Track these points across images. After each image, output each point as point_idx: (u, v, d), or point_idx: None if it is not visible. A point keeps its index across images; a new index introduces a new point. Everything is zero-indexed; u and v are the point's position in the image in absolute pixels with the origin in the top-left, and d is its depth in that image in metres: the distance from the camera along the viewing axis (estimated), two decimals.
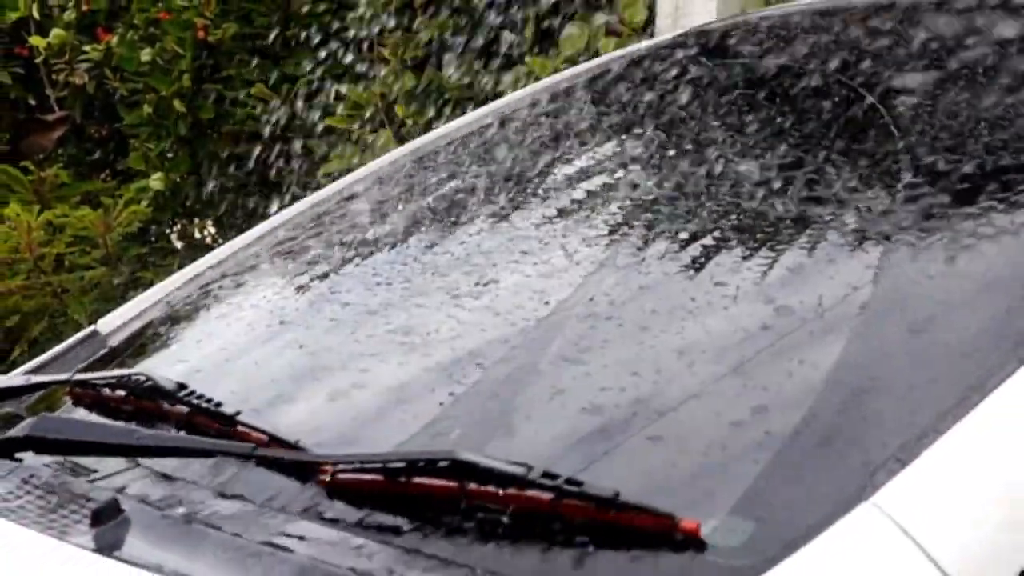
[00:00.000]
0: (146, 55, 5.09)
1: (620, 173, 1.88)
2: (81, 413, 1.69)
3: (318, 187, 3.61)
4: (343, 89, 4.50)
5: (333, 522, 1.31)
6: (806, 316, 1.38)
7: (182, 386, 1.56)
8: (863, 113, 1.76)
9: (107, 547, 1.33)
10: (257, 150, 4.92)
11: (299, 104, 4.77)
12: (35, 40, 5.55)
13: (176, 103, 5.04)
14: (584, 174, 1.89)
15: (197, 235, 5.52)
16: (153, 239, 5.42)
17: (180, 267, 2.22)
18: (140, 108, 5.20)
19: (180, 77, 5.03)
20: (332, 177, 3.96)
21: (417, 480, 1.29)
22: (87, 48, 5.44)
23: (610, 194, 1.82)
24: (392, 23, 4.34)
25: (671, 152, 1.91)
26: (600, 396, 1.37)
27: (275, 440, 1.43)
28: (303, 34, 4.74)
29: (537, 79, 3.23)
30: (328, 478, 1.34)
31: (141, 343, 1.96)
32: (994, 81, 1.75)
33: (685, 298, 1.50)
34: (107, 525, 1.35)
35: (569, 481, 1.20)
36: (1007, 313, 1.32)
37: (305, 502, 1.34)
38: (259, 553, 1.26)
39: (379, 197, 2.19)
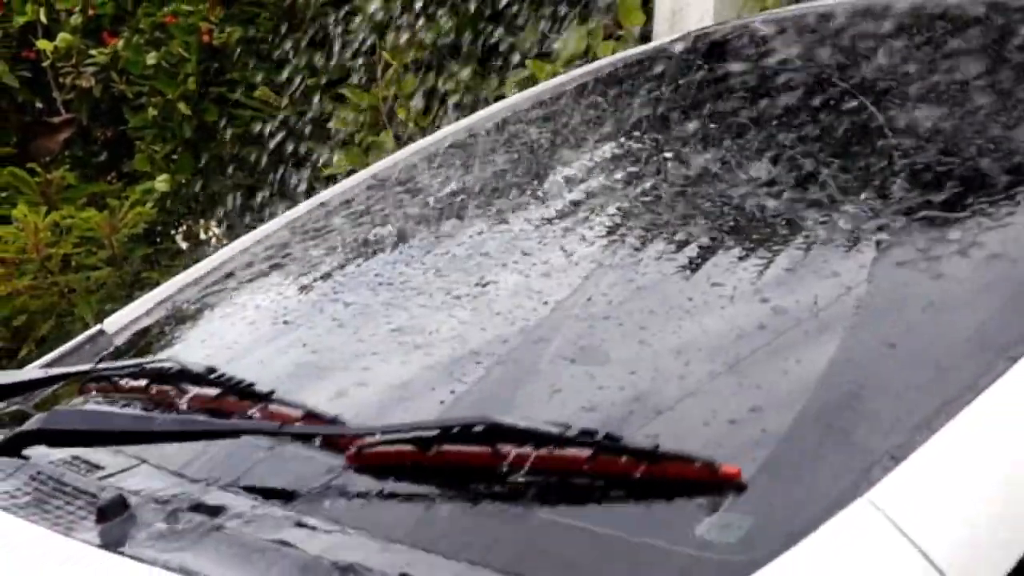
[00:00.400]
0: (151, 59, 5.10)
1: (618, 175, 1.88)
2: (92, 405, 1.69)
3: (321, 188, 3.62)
4: (346, 92, 4.50)
5: (361, 495, 1.28)
6: (801, 315, 1.38)
7: (212, 370, 1.55)
8: (858, 115, 1.76)
9: (113, 543, 1.33)
10: (261, 152, 4.93)
11: (302, 107, 4.77)
12: (42, 44, 5.56)
13: (181, 106, 5.05)
14: (581, 176, 1.89)
15: (202, 235, 5.52)
16: (158, 240, 5.42)
17: (185, 267, 2.21)
18: (145, 111, 5.21)
19: (185, 80, 5.03)
20: (335, 178, 3.96)
21: (450, 448, 1.27)
22: (93, 52, 5.44)
23: (606, 197, 1.82)
24: (394, 27, 4.34)
25: (667, 154, 1.91)
26: (598, 395, 1.38)
27: (312, 416, 1.40)
28: (306, 38, 4.74)
29: (536, 82, 3.23)
30: (358, 451, 1.31)
31: (147, 342, 1.96)
32: (985, 85, 1.76)
33: (682, 298, 1.50)
34: (113, 521, 1.35)
35: (608, 437, 1.19)
36: (999, 313, 1.32)
37: (329, 482, 1.32)
38: (264, 549, 1.26)
39: (382, 199, 2.19)
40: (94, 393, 1.71)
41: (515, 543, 1.20)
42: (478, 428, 1.26)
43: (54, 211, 4.82)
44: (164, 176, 5.19)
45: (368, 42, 4.49)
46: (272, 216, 2.88)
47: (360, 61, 4.54)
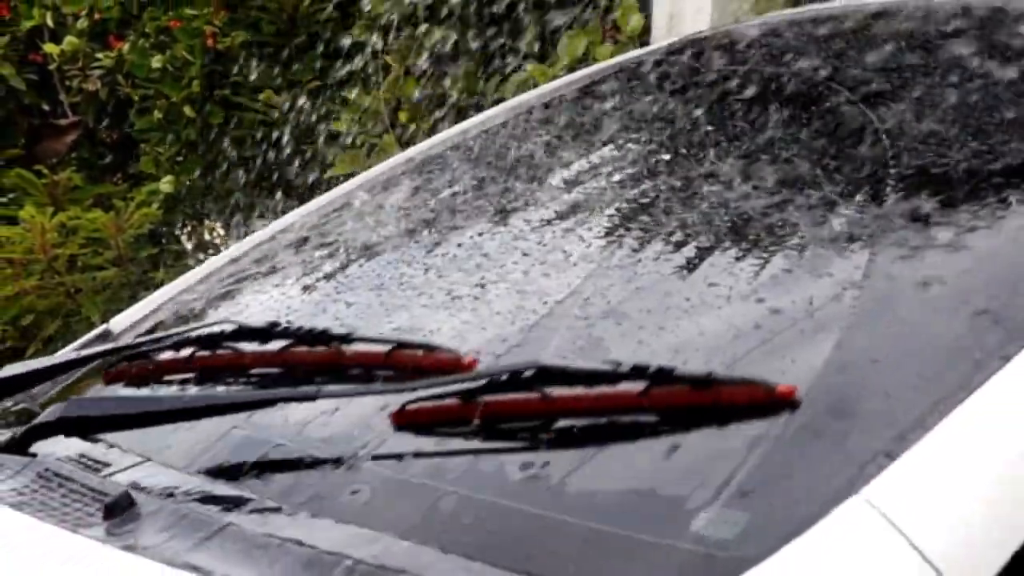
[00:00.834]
0: (157, 62, 5.10)
1: (616, 178, 1.88)
2: (112, 391, 1.68)
3: (324, 190, 3.62)
4: (349, 95, 4.50)
5: (406, 457, 1.25)
6: (796, 315, 1.38)
7: (275, 324, 1.51)
8: (853, 118, 1.76)
9: (119, 540, 1.33)
10: (264, 154, 4.93)
11: (305, 109, 4.77)
12: (49, 47, 5.56)
13: (186, 108, 5.05)
14: (579, 179, 1.89)
15: (207, 236, 5.52)
16: (164, 240, 5.42)
17: (190, 267, 2.21)
18: (151, 113, 5.21)
19: (190, 83, 5.03)
20: (337, 180, 3.96)
21: (499, 399, 1.24)
22: (99, 55, 5.45)
23: (604, 199, 1.82)
24: (397, 31, 4.35)
25: (664, 157, 1.91)
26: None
27: (409, 346, 1.36)
28: (310, 42, 4.75)
29: (535, 85, 3.23)
30: (401, 409, 1.27)
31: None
32: (973, 85, 1.76)
33: (679, 297, 1.50)
34: (119, 518, 1.35)
35: (660, 370, 1.17)
36: (991, 312, 1.32)
37: (371, 445, 1.26)
38: (269, 546, 1.26)
39: (382, 202, 2.19)
40: (113, 379, 1.68)
41: (515, 538, 1.20)
42: (528, 373, 1.22)
43: (61, 212, 4.82)
44: (169, 178, 5.19)
45: (370, 46, 4.49)
46: (276, 216, 2.88)
47: (362, 64, 4.54)
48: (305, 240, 2.10)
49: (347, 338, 1.47)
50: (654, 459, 1.24)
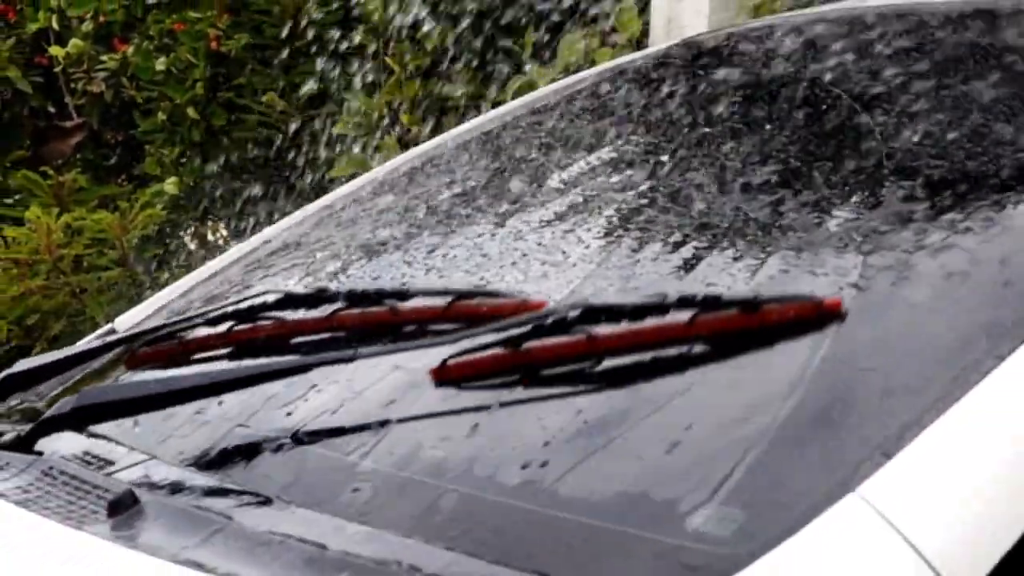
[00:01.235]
0: (161, 64, 5.10)
1: (614, 179, 1.88)
2: (127, 377, 1.66)
3: (326, 191, 3.62)
4: (350, 97, 4.50)
5: (450, 413, 1.21)
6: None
7: (324, 290, 1.46)
8: (849, 120, 1.76)
9: (123, 537, 1.33)
10: (267, 155, 4.93)
11: (308, 111, 4.77)
12: (54, 50, 5.56)
13: (190, 110, 5.05)
14: (577, 181, 1.89)
15: (210, 237, 5.52)
16: (168, 241, 5.42)
17: (194, 267, 2.21)
18: (155, 115, 5.21)
19: (194, 85, 5.03)
20: (339, 182, 3.96)
21: (545, 343, 1.21)
22: (104, 58, 5.44)
23: (603, 200, 1.82)
24: (397, 34, 4.35)
25: (661, 159, 1.91)
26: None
27: (469, 295, 1.31)
28: (312, 45, 4.75)
29: (534, 88, 3.23)
30: (442, 365, 1.22)
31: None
32: (968, 88, 1.76)
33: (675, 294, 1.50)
34: (123, 515, 1.35)
35: (706, 297, 1.15)
36: (986, 312, 1.32)
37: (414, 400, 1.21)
38: (271, 543, 1.26)
39: (372, 206, 2.18)
40: (135, 365, 1.65)
41: (512, 534, 1.20)
42: (574, 313, 1.18)
43: (66, 213, 4.82)
44: (173, 179, 5.20)
45: (372, 49, 4.49)
46: (281, 216, 2.88)
47: (364, 67, 4.54)
48: (309, 239, 2.10)
49: (404, 294, 1.40)
50: (653, 456, 1.24)
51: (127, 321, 2.03)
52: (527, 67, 3.82)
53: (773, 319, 1.13)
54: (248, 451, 1.42)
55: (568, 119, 2.22)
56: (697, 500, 1.16)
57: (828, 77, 1.89)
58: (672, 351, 1.19)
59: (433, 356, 1.28)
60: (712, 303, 1.16)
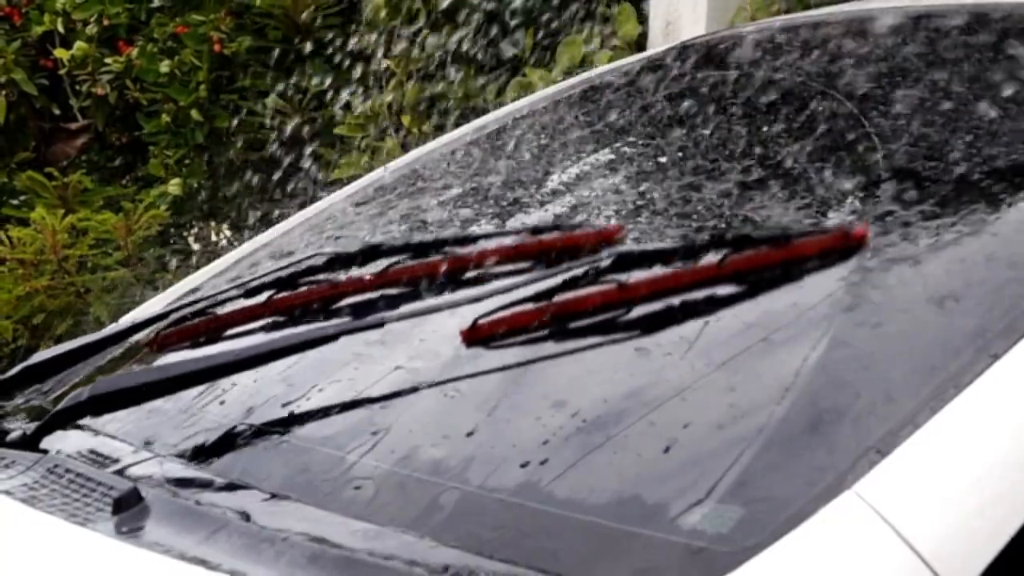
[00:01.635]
0: (165, 67, 5.10)
1: (613, 180, 1.88)
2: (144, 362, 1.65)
3: (327, 192, 3.62)
4: (352, 100, 4.50)
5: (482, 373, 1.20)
6: (789, 312, 1.38)
7: (376, 244, 1.43)
8: (846, 122, 1.76)
9: (128, 534, 1.32)
10: (270, 156, 4.93)
11: (310, 113, 4.77)
12: (59, 53, 5.55)
13: (193, 112, 5.05)
14: (577, 182, 1.89)
15: (214, 237, 5.52)
16: (172, 241, 5.42)
17: (197, 268, 2.21)
18: (159, 117, 5.21)
19: (197, 88, 5.03)
20: (341, 183, 3.96)
21: (578, 295, 1.19)
22: (109, 60, 5.44)
23: (603, 199, 1.82)
24: (399, 36, 4.35)
25: (661, 160, 1.91)
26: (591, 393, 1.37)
27: (543, 229, 1.30)
28: (314, 48, 4.75)
29: (534, 90, 3.23)
30: (473, 325, 1.21)
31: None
32: (963, 92, 1.76)
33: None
34: (128, 513, 1.35)
35: (736, 236, 1.15)
36: (980, 312, 1.32)
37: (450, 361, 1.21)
38: (272, 539, 1.26)
39: (369, 212, 2.18)
40: (158, 348, 1.63)
41: (511, 531, 1.20)
42: (606, 261, 1.17)
43: (71, 214, 4.81)
44: (176, 180, 5.19)
45: (374, 52, 4.49)
46: (282, 217, 2.88)
47: (365, 69, 4.54)
48: (310, 241, 2.10)
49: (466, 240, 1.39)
50: (651, 454, 1.24)
51: (130, 321, 2.02)
52: (526, 69, 3.82)
53: (803, 252, 1.12)
54: (251, 447, 1.42)
55: (573, 119, 2.22)
56: (694, 498, 1.16)
57: (829, 78, 1.90)
58: (704, 292, 1.17)
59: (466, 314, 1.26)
60: (741, 242, 1.15)
